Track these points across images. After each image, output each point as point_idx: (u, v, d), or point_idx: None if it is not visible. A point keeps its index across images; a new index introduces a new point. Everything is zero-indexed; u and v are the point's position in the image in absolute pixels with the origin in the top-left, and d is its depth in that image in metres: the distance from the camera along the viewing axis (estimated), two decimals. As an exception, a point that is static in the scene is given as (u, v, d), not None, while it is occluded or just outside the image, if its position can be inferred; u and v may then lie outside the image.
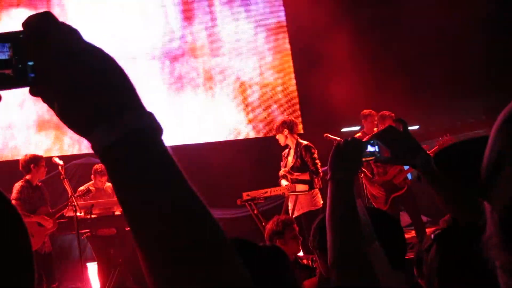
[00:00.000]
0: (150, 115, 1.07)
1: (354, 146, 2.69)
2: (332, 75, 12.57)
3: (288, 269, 2.61)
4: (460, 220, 2.51)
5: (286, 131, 10.09)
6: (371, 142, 2.94)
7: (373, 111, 10.38)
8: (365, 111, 10.48)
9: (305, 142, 10.07)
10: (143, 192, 1.03)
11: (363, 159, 2.80)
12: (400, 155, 2.84)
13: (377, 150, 2.96)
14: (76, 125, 1.07)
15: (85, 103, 1.05)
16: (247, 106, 13.65)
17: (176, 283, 1.01)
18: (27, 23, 1.07)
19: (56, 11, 12.23)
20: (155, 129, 1.07)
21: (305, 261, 7.48)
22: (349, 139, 2.73)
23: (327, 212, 2.56)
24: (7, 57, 1.08)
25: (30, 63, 1.07)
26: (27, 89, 1.09)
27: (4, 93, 1.09)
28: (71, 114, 1.07)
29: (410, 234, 10.23)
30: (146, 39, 12.99)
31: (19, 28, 1.08)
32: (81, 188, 9.63)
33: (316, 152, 9.93)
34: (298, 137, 10.26)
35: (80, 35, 1.08)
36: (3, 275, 1.10)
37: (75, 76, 1.05)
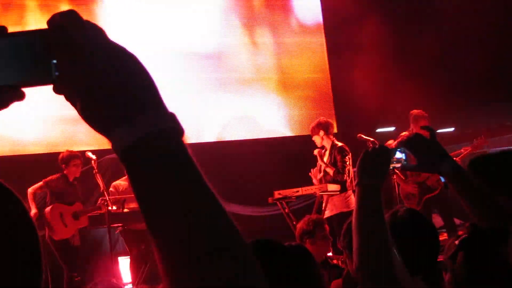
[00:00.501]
0: (171, 116, 1.07)
1: (382, 153, 2.68)
2: (367, 75, 12.51)
3: (312, 269, 2.61)
4: (484, 225, 2.51)
5: (322, 132, 10.08)
6: (399, 149, 2.94)
7: (423, 112, 10.19)
8: (415, 111, 10.30)
9: (340, 144, 10.06)
10: (161, 193, 1.03)
11: (391, 166, 2.79)
12: (426, 163, 2.84)
13: (404, 157, 2.95)
14: (97, 124, 1.08)
15: (107, 103, 1.05)
16: (282, 104, 13.64)
17: (189, 283, 1.01)
18: (51, 21, 1.07)
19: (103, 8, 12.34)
20: (176, 130, 1.07)
21: (335, 261, 7.48)
22: (377, 146, 2.74)
23: (353, 216, 2.57)
24: (32, 55, 1.09)
25: (54, 61, 1.07)
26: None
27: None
28: (92, 113, 1.07)
29: (442, 237, 10.16)
30: (188, 36, 13.02)
31: (45, 26, 1.09)
32: (115, 182, 9.71)
33: (349, 154, 9.90)
34: (334, 138, 10.23)
35: (104, 34, 1.09)
36: (7, 274, 1.10)
37: (97, 75, 1.05)
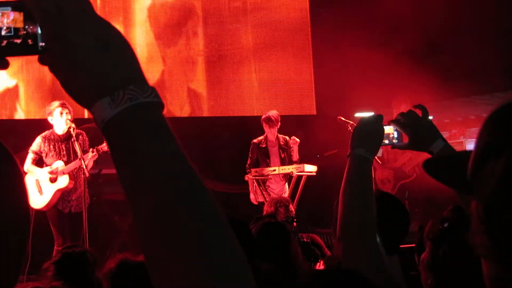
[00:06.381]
0: (152, 90, 1.08)
1: (376, 125, 2.65)
2: (348, 57, 12.48)
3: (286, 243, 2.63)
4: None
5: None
6: (390, 126, 2.89)
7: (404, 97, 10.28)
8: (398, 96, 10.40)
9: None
10: (141, 165, 1.05)
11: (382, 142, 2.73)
12: (418, 142, 2.82)
13: (395, 135, 2.91)
14: (79, 97, 1.09)
15: (89, 76, 1.07)
16: (263, 84, 13.57)
17: (171, 258, 1.02)
18: None
19: None
20: (157, 103, 1.09)
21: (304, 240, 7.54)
22: (370, 117, 2.69)
23: (342, 186, 2.51)
24: (18, 25, 1.11)
25: (40, 32, 1.10)
26: None
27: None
28: (75, 86, 1.09)
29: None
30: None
31: None
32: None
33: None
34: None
35: (91, 7, 1.10)
36: None
37: (81, 48, 1.06)
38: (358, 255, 2.39)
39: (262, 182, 10.14)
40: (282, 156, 10.43)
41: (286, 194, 9.99)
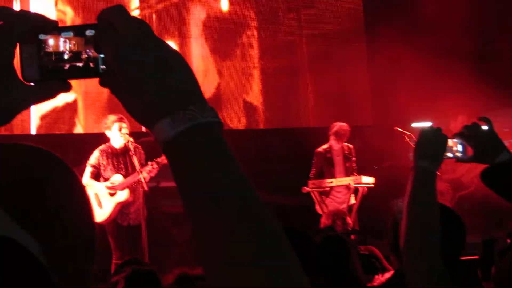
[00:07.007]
0: (211, 110, 1.10)
1: (438, 137, 2.61)
2: (405, 68, 12.39)
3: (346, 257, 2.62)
4: None
5: None
6: (454, 140, 2.83)
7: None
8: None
9: None
10: (202, 186, 1.06)
11: (445, 154, 2.68)
12: (483, 155, 2.77)
13: (459, 149, 2.85)
14: (140, 118, 1.12)
15: (150, 97, 1.09)
16: (319, 95, 13.53)
17: (232, 273, 1.03)
18: (99, 16, 1.12)
19: None
20: (216, 123, 1.10)
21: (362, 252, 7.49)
22: (433, 128, 2.66)
23: (406, 199, 2.49)
24: (79, 49, 1.14)
25: (102, 56, 1.13)
26: None
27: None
28: (136, 107, 1.11)
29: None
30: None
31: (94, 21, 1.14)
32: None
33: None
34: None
35: (150, 29, 1.12)
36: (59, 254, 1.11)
37: (142, 70, 1.09)
38: (421, 268, 2.37)
39: (323, 193, 10.09)
40: (347, 165, 10.34)
41: (351, 203, 9.93)
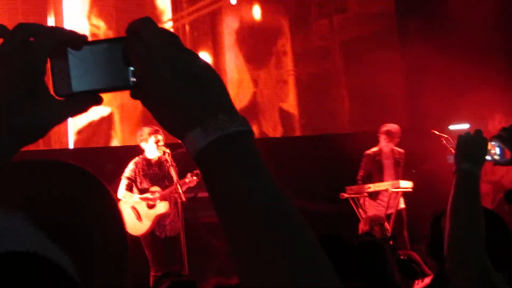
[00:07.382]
0: (242, 119, 1.10)
1: (479, 139, 2.62)
2: (441, 70, 12.31)
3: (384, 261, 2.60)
4: None
5: None
6: (492, 143, 2.81)
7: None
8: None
9: None
10: (233, 195, 1.06)
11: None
12: None
13: (497, 152, 2.83)
14: (171, 128, 1.12)
15: (181, 108, 1.09)
16: (354, 99, 13.50)
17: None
18: (128, 29, 1.13)
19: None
20: (247, 132, 1.10)
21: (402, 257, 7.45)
22: (474, 131, 2.67)
23: (450, 202, 2.49)
24: (110, 62, 1.15)
25: (132, 68, 1.13)
26: None
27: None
28: (166, 118, 1.12)
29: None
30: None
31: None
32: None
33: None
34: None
35: (179, 40, 1.13)
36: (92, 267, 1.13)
37: (170, 80, 1.09)
38: (467, 272, 2.36)
39: (371, 196, 10.04)
40: (397, 169, 10.26)
41: (400, 207, 9.87)
